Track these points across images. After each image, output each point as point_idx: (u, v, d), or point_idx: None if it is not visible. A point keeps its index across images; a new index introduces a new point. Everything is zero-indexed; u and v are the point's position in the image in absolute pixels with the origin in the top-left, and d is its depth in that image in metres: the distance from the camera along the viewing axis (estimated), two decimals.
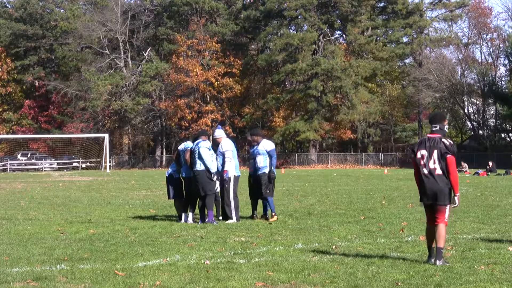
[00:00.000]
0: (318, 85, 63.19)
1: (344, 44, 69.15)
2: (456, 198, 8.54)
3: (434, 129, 8.66)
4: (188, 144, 14.20)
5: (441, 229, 8.46)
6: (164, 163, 70.43)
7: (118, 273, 8.06)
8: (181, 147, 14.41)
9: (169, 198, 14.48)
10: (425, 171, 8.49)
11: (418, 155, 8.53)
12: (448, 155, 8.46)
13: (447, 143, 8.52)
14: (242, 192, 17.17)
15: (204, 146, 13.48)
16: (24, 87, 76.87)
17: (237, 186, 14.12)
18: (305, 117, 65.22)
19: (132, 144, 73.95)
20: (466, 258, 8.90)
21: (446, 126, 8.76)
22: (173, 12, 70.80)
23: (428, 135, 8.68)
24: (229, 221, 13.62)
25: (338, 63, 62.78)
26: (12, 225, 13.63)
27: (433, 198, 8.49)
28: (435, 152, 8.48)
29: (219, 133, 14.34)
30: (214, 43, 67.07)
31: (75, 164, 65.47)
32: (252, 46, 74.64)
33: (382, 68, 66.21)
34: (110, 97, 68.58)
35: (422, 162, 8.50)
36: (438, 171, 8.46)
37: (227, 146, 14.06)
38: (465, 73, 67.64)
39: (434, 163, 8.47)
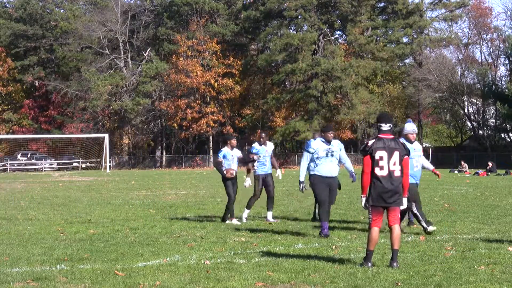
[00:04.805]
0: (318, 85, 63.16)
1: (344, 44, 69.11)
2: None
3: (385, 128, 8.50)
4: (257, 147, 13.91)
5: (398, 230, 8.42)
6: (164, 163, 70.40)
7: (118, 273, 8.06)
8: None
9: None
10: (383, 173, 8.33)
11: (377, 156, 8.34)
12: (405, 157, 8.51)
13: (404, 145, 8.61)
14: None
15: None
16: (24, 87, 76.85)
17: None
18: (305, 117, 65.17)
19: (132, 144, 73.90)
20: (466, 258, 8.89)
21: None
22: (173, 12, 70.80)
23: (382, 135, 8.47)
24: None
25: (338, 63, 62.73)
26: (12, 225, 13.63)
27: (390, 200, 8.36)
28: (396, 153, 8.41)
29: (414, 127, 11.87)
30: (214, 44, 67.08)
31: (75, 164, 65.46)
32: (252, 47, 74.59)
33: (382, 68, 66.15)
34: (110, 97, 68.57)
35: (380, 164, 8.33)
36: (397, 173, 8.40)
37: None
38: (465, 73, 67.58)
39: (394, 164, 8.38)
